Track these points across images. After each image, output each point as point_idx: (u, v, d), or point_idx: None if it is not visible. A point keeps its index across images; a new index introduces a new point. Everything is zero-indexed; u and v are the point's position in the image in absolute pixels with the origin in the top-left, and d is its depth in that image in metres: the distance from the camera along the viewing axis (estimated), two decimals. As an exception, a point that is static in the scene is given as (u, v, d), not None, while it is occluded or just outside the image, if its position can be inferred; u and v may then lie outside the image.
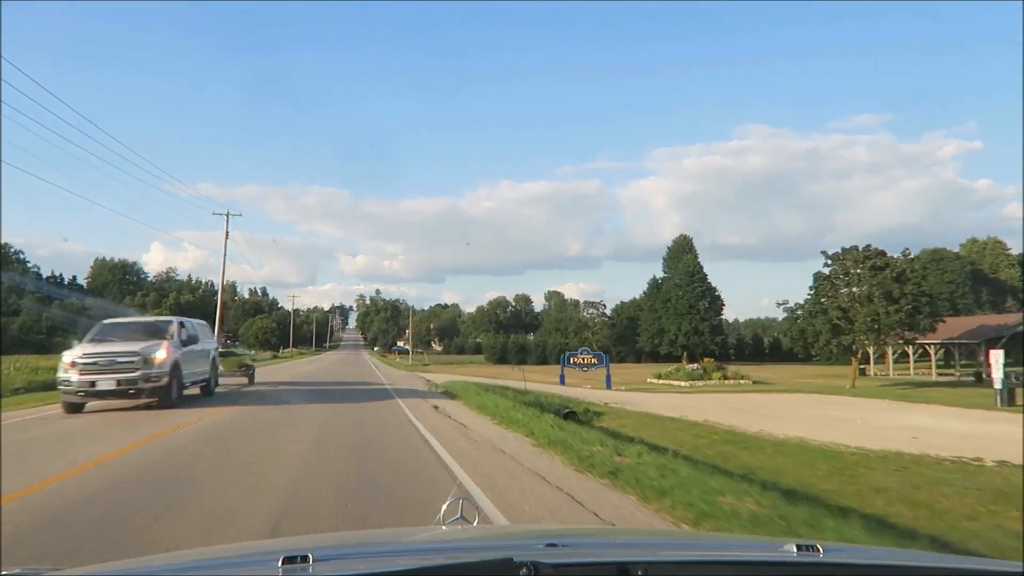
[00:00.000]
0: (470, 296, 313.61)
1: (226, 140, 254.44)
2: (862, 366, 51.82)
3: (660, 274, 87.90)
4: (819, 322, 35.16)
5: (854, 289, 34.75)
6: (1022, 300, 63.59)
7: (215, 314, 41.87)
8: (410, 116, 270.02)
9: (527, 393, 25.63)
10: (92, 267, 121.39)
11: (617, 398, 29.32)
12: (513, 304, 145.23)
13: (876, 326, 33.21)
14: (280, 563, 1.48)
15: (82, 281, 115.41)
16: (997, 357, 25.57)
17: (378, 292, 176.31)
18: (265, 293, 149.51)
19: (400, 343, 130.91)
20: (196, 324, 18.58)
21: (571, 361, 37.02)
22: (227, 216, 38.44)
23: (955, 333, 43.40)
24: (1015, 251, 77.91)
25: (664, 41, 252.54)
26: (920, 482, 11.73)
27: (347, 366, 52.33)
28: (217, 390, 19.69)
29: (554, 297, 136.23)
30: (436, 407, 16.14)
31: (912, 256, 36.07)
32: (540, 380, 36.67)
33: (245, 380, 24.23)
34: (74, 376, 13.66)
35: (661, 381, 42.74)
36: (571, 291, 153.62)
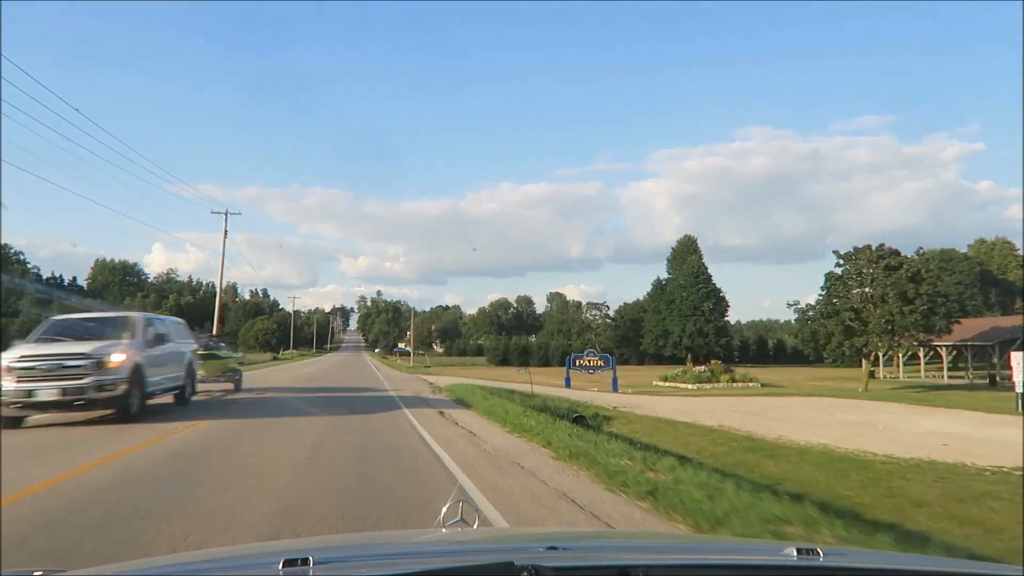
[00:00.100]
0: (471, 298, 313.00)
1: (227, 141, 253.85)
2: (871, 368, 51.12)
3: (661, 276, 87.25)
4: (831, 323, 34.30)
5: (867, 290, 33.88)
6: None
7: (216, 315, 41.12)
8: (411, 117, 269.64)
9: (533, 396, 24.86)
10: (92, 268, 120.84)
11: (625, 401, 28.50)
12: (515, 306, 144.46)
13: (891, 327, 32.36)
14: (281, 566, 1.47)
15: (82, 282, 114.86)
16: (1019, 360, 24.72)
17: (379, 294, 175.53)
18: (266, 294, 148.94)
19: (401, 345, 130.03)
20: (169, 321, 16.39)
21: (577, 363, 36.18)
22: (226, 215, 37.72)
23: (967, 335, 42.55)
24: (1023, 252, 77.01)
25: (665, 42, 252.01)
26: (964, 495, 10.91)
27: (348, 368, 51.48)
28: (196, 398, 17.38)
29: (556, 299, 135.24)
30: (442, 412, 15.31)
31: (926, 255, 35.16)
32: (544, 382, 35.88)
33: (231, 386, 21.27)
34: (10, 384, 11.24)
35: (667, 384, 41.91)
36: (572, 293, 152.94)
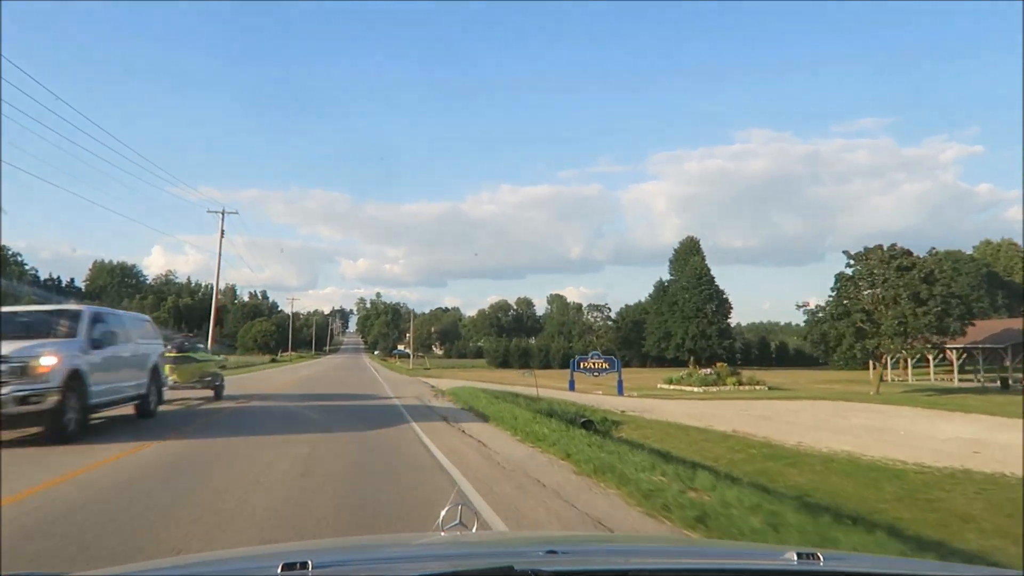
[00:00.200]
0: (471, 300, 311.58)
1: (228, 144, 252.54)
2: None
3: (661, 278, 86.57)
4: (842, 325, 33.47)
5: (878, 291, 33.06)
6: None
7: (212, 316, 40.30)
8: (411, 119, 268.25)
9: (539, 400, 24.04)
10: (91, 270, 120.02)
11: (632, 405, 27.70)
12: (515, 308, 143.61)
13: (903, 329, 31.54)
14: (279, 569, 1.45)
15: (81, 284, 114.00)
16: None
17: (379, 295, 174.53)
18: (265, 296, 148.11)
19: (401, 347, 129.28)
20: (127, 317, 13.33)
21: (581, 366, 35.35)
22: (222, 214, 36.92)
23: (978, 337, 41.75)
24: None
25: (664, 45, 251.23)
26: (1012, 509, 10.11)
27: (346, 371, 50.60)
28: (167, 409, 14.89)
29: (556, 301, 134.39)
30: (446, 418, 14.48)
31: (939, 255, 34.36)
32: (547, 385, 35.02)
33: (210, 393, 18.64)
34: None
35: (672, 386, 41.15)
36: (572, 295, 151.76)
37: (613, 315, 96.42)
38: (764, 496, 6.04)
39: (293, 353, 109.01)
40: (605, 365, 35.35)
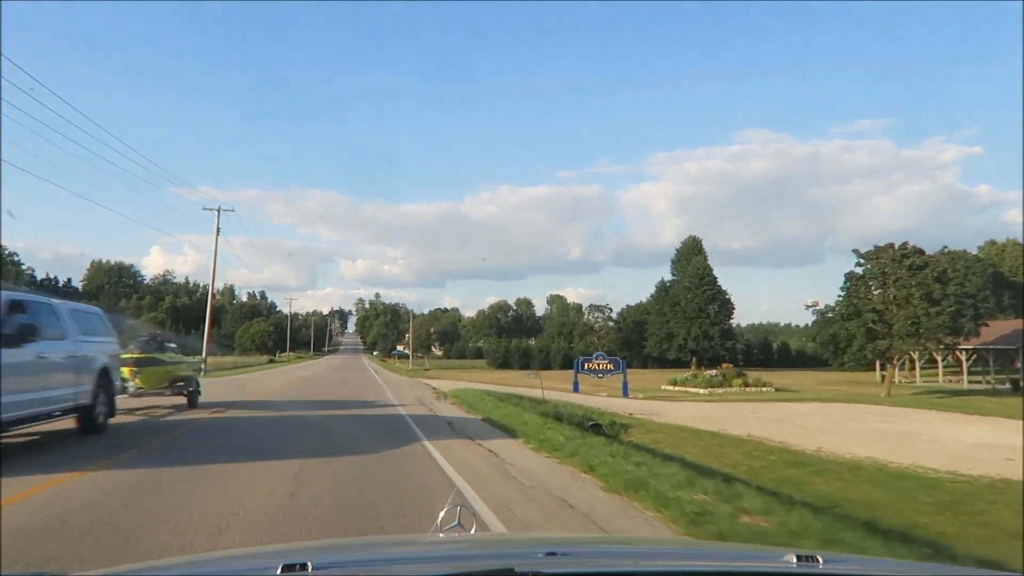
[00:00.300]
0: (470, 300, 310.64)
1: (227, 144, 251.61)
2: (884, 372, 49.48)
3: (663, 278, 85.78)
4: (853, 325, 32.67)
5: (890, 290, 32.26)
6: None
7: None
8: (410, 120, 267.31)
9: (545, 402, 23.26)
10: (88, 269, 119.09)
11: (639, 407, 26.91)
12: (514, 308, 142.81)
13: (916, 330, 30.76)
14: (279, 571, 1.44)
15: (78, 284, 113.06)
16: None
17: (378, 296, 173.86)
18: (264, 297, 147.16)
19: (400, 347, 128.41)
20: (63, 308, 10.64)
21: (585, 367, 34.55)
22: (218, 211, 36.12)
23: (988, 338, 41.01)
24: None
25: (664, 46, 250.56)
26: (1068, 523, 9.31)
27: (345, 371, 49.77)
28: (127, 420, 12.63)
29: (556, 301, 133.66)
30: (451, 423, 13.67)
31: (952, 254, 33.56)
32: (549, 386, 34.18)
33: (183, 401, 16.11)
34: None
35: (677, 388, 40.40)
36: (571, 295, 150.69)
37: (614, 316, 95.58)
38: (829, 521, 5.26)
39: (291, 354, 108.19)
40: (610, 366, 34.56)
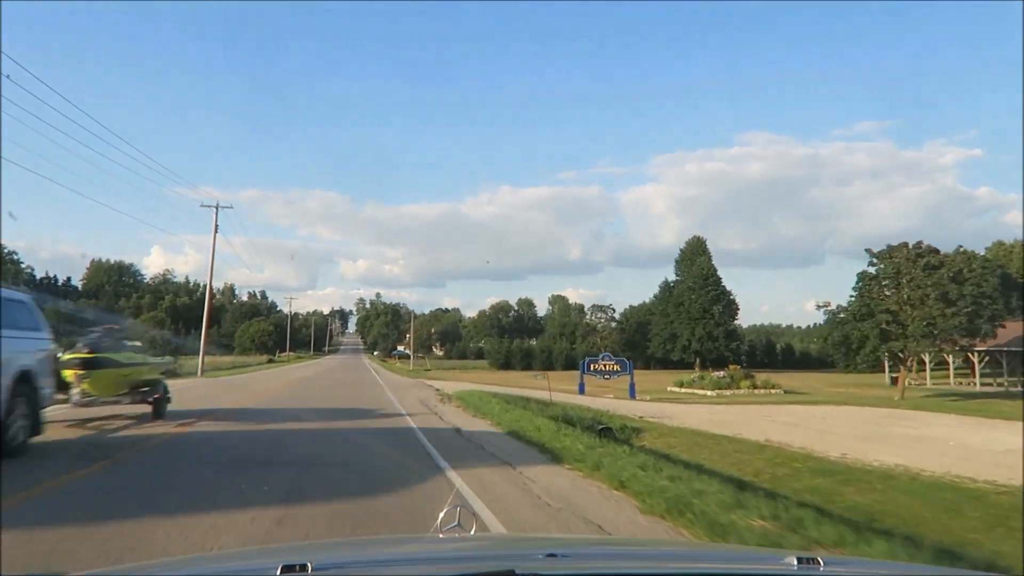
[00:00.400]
0: (470, 301, 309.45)
1: (227, 144, 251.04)
2: (893, 375, 48.62)
3: (661, 280, 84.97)
4: (866, 326, 31.85)
5: (904, 291, 31.43)
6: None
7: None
8: (410, 120, 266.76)
9: (553, 404, 22.50)
10: (88, 269, 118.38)
11: (648, 410, 26.13)
12: (516, 308, 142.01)
13: (932, 331, 29.94)
14: (279, 572, 1.43)
15: (77, 283, 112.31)
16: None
17: (378, 296, 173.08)
18: (264, 296, 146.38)
19: (400, 347, 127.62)
20: None
21: (592, 368, 33.75)
22: (216, 208, 35.36)
23: (1000, 340, 40.20)
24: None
25: (664, 48, 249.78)
26: None
27: (344, 372, 48.99)
28: (49, 439, 9.74)
29: (558, 301, 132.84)
30: (459, 430, 12.87)
31: (968, 254, 32.74)
32: (554, 388, 33.44)
33: (148, 409, 13.43)
34: None
35: (683, 389, 39.62)
36: (571, 296, 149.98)
37: (617, 316, 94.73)
38: (925, 556, 4.48)
39: (291, 353, 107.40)
40: (616, 367, 33.76)
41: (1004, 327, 34.75)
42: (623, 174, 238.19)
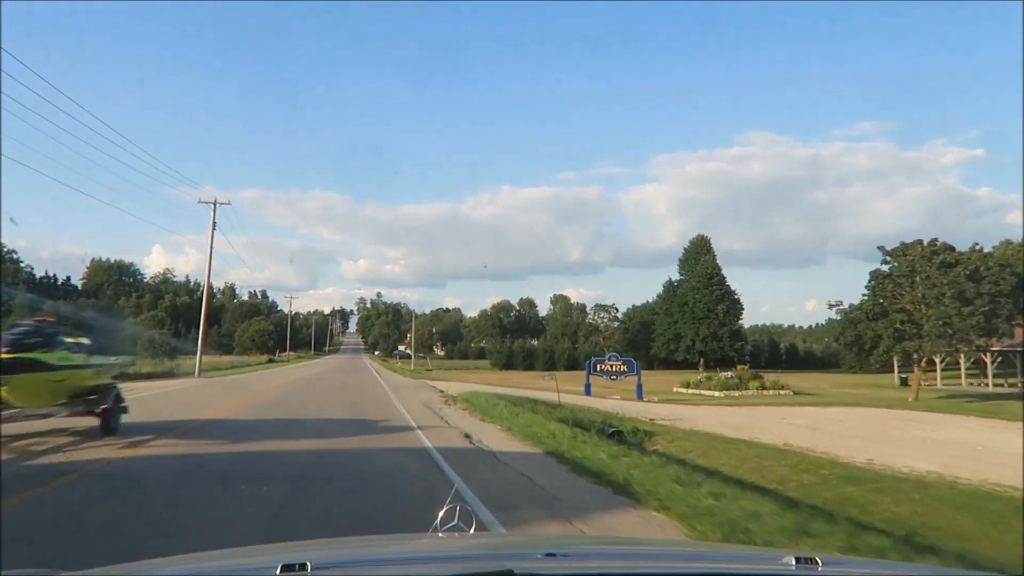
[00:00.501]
0: (471, 301, 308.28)
1: (228, 145, 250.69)
2: (902, 375, 47.78)
3: (661, 280, 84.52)
4: (880, 326, 31.05)
5: (919, 289, 30.62)
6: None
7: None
8: (411, 121, 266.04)
9: (561, 407, 21.75)
10: (88, 268, 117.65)
11: (658, 412, 25.37)
12: (517, 308, 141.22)
13: (948, 330, 29.14)
14: (279, 571, 1.43)
15: (77, 282, 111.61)
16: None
17: (379, 296, 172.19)
18: (265, 296, 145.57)
19: (401, 347, 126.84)
20: None
21: (598, 368, 32.98)
22: (214, 204, 34.61)
23: (1015, 340, 39.46)
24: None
25: (665, 49, 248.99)
26: None
27: (345, 373, 48.25)
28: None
29: (560, 301, 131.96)
30: (467, 435, 12.09)
31: (984, 251, 31.94)
32: (559, 388, 32.77)
33: (95, 422, 11.17)
34: None
35: (690, 390, 38.85)
36: (572, 296, 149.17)
37: (620, 316, 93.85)
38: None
39: (292, 353, 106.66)
40: (623, 368, 33.00)
41: (1022, 326, 33.96)
42: (623, 174, 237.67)
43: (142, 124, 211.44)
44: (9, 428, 10.10)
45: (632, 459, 7.89)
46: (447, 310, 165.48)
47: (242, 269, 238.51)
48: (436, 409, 18.48)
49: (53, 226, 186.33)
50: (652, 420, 22.09)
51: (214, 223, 33.95)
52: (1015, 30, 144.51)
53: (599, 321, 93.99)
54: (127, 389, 13.61)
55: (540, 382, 38.15)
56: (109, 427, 11.16)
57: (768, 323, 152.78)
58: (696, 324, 75.98)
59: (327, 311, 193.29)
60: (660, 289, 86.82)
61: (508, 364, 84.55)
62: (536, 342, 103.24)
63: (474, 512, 3.18)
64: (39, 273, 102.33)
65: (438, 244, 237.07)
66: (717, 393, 36.79)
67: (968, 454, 15.63)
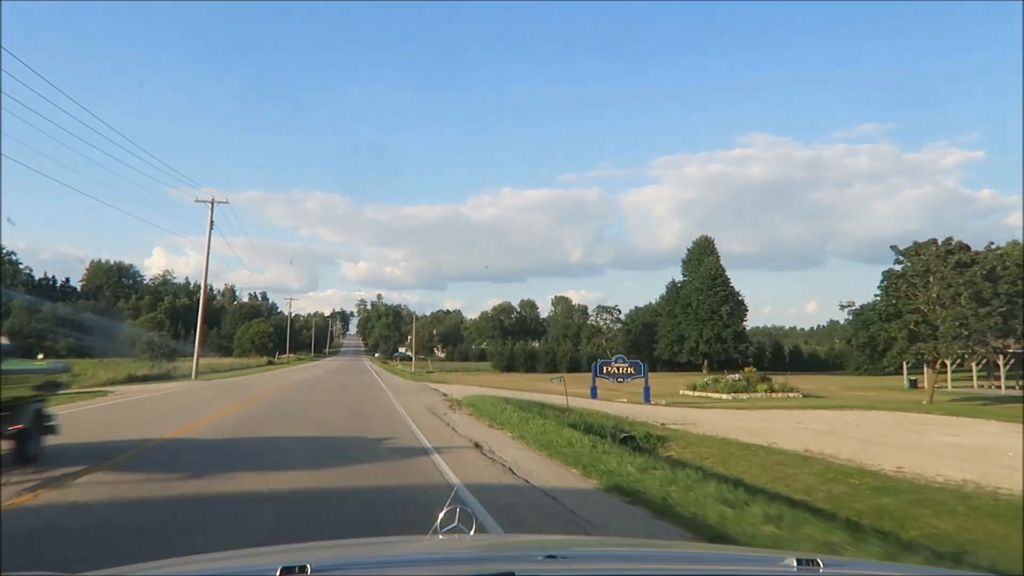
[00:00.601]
0: (471, 302, 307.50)
1: (228, 146, 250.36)
2: (912, 377, 47.05)
3: (662, 282, 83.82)
4: (894, 327, 30.30)
5: (933, 290, 29.88)
6: None
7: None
8: (411, 122, 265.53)
9: (570, 411, 21.01)
10: (87, 269, 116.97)
11: (668, 416, 24.62)
12: (518, 310, 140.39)
13: (964, 332, 28.39)
14: (278, 572, 1.43)
15: (76, 284, 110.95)
16: None
17: (380, 297, 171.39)
18: (265, 298, 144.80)
19: (402, 349, 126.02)
20: None
21: (604, 370, 32.22)
22: (211, 203, 33.88)
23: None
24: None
25: (665, 49, 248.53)
26: None
27: (344, 375, 47.50)
28: None
29: (561, 303, 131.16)
30: (480, 446, 11.32)
31: (1000, 251, 31.21)
32: (562, 391, 32.03)
33: (9, 446, 8.91)
34: None
35: (696, 393, 38.10)
36: (573, 298, 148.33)
37: (622, 317, 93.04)
38: None
39: (292, 355, 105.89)
40: (630, 370, 32.24)
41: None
42: (624, 176, 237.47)
43: (142, 124, 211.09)
44: None
45: (664, 473, 7.17)
46: (447, 312, 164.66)
47: (242, 271, 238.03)
48: (441, 415, 17.72)
49: (53, 227, 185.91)
50: (664, 424, 21.35)
51: (211, 222, 33.25)
52: (1015, 31, 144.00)
53: (601, 323, 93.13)
54: (121, 392, 12.82)
55: (543, 385, 37.44)
56: (26, 454, 8.84)
57: (769, 325, 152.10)
58: (700, 326, 75.23)
59: (327, 313, 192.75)
60: (661, 291, 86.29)
61: (509, 366, 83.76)
62: (537, 344, 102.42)
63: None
64: (38, 275, 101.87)
65: (439, 246, 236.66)
66: (725, 396, 36.03)
67: (1002, 461, 14.85)
